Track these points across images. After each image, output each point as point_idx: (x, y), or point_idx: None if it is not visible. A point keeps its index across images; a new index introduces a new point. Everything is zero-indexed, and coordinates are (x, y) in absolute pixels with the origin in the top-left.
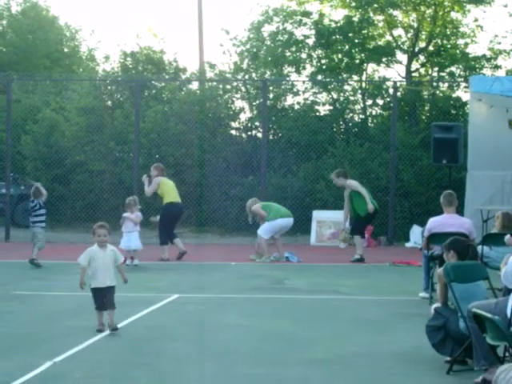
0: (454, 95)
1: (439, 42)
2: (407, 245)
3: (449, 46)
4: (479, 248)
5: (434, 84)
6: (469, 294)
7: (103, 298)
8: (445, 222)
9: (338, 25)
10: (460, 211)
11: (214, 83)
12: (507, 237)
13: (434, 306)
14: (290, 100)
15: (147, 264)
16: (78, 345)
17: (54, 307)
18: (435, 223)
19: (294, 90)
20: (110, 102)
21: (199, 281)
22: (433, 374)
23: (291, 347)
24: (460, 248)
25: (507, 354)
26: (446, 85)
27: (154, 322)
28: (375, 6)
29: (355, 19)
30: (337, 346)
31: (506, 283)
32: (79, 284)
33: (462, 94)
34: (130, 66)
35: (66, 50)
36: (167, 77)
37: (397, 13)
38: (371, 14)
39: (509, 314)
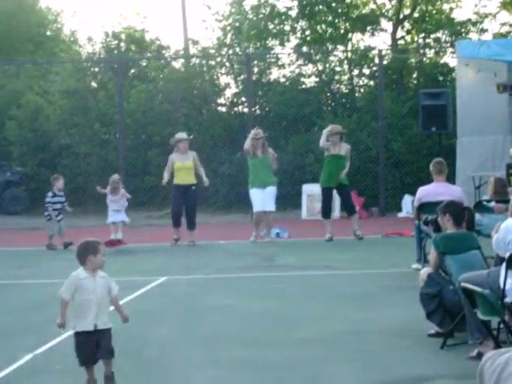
0: (441, 61)
1: (424, 7)
2: (399, 215)
3: (434, 11)
4: None
5: (421, 51)
6: (467, 265)
7: (92, 347)
8: (435, 190)
9: None
10: (451, 179)
11: (198, 60)
12: (492, 204)
13: (425, 270)
14: (275, 73)
15: (135, 247)
16: (60, 335)
17: (34, 296)
18: (425, 192)
19: (279, 63)
20: (93, 84)
21: (188, 262)
22: (427, 350)
23: (280, 327)
24: (456, 211)
25: (501, 327)
26: (433, 51)
27: (139, 307)
28: None
29: None
30: (327, 324)
31: (497, 251)
32: (58, 324)
33: (449, 59)
34: (113, 47)
35: (48, 33)
36: (150, 55)
37: None
38: None
39: (501, 285)
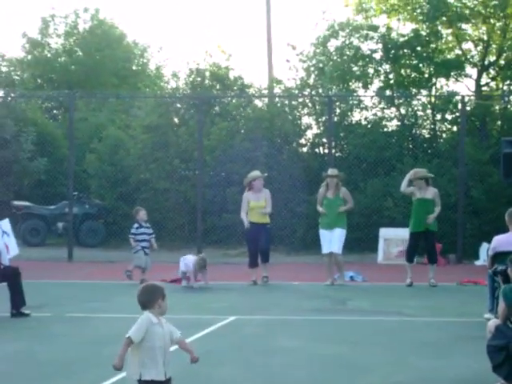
0: None
1: (510, 55)
2: (477, 263)
3: None
4: None
5: (505, 98)
6: None
7: None
8: (509, 240)
9: (406, 38)
10: None
11: (281, 99)
12: None
13: (493, 321)
14: (357, 116)
15: (209, 284)
16: (123, 371)
17: (104, 331)
18: (500, 241)
19: (362, 105)
20: (175, 120)
21: (259, 302)
22: None
23: (347, 373)
24: None
25: None
26: None
27: (205, 346)
28: (443, 19)
29: (423, 33)
30: (395, 371)
31: None
32: (115, 365)
33: None
34: (196, 84)
35: (134, 67)
36: (232, 93)
37: (466, 26)
38: (439, 28)
39: None
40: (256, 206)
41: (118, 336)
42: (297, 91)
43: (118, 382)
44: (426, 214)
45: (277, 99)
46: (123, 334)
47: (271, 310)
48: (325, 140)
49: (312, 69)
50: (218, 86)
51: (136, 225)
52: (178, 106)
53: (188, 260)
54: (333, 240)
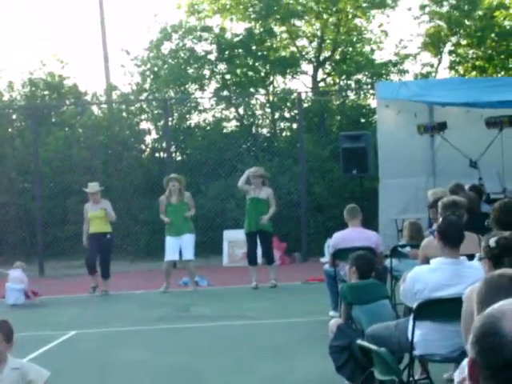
0: (363, 103)
1: (344, 49)
2: (322, 260)
3: (354, 53)
4: (388, 261)
5: (342, 93)
6: (376, 315)
7: None
8: (350, 236)
9: (240, 38)
10: (374, 222)
11: (118, 105)
12: (407, 249)
13: (334, 321)
14: (195, 118)
15: (52, 298)
16: None
17: None
18: (340, 238)
19: (199, 107)
20: (10, 131)
21: (101, 314)
22: None
23: (187, 382)
24: (362, 265)
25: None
26: (354, 93)
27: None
28: (276, 16)
29: (257, 31)
30: (233, 379)
31: (405, 301)
32: None
33: (371, 101)
34: (29, 94)
35: None
36: (68, 102)
37: (299, 23)
38: (273, 26)
39: (410, 337)
40: (94, 216)
41: None
42: (133, 97)
43: None
44: (259, 213)
45: (114, 105)
46: None
47: (113, 322)
48: (164, 144)
49: (147, 73)
50: (53, 96)
51: None
52: (14, 117)
53: (20, 275)
54: (184, 247)
